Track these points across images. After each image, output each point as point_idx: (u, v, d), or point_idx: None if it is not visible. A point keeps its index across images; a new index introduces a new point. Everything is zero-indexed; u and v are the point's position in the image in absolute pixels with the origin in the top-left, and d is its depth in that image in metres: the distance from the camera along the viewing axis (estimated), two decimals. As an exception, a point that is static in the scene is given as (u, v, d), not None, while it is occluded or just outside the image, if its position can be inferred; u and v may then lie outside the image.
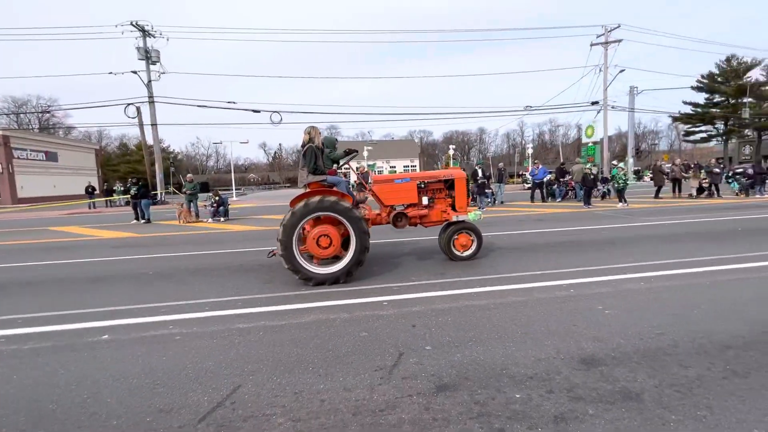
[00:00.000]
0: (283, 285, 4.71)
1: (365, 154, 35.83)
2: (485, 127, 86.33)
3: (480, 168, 14.34)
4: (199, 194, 14.10)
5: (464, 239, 5.60)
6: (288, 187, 72.84)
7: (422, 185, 5.61)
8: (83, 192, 26.77)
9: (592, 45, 28.18)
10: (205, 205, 13.76)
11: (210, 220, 12.95)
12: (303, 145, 4.90)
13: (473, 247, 5.62)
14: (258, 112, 27.61)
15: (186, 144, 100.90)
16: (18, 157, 32.55)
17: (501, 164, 18.80)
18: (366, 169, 25.78)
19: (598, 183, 15.58)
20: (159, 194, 25.07)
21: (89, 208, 23.47)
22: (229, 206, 14.09)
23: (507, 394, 2.20)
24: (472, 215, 5.59)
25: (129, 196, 15.37)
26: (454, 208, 5.62)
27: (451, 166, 41.47)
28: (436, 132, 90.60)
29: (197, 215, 13.39)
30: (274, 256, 5.16)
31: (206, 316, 3.69)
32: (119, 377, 2.59)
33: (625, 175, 13.38)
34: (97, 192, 27.92)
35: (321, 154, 4.92)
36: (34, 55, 72.35)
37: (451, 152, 45.33)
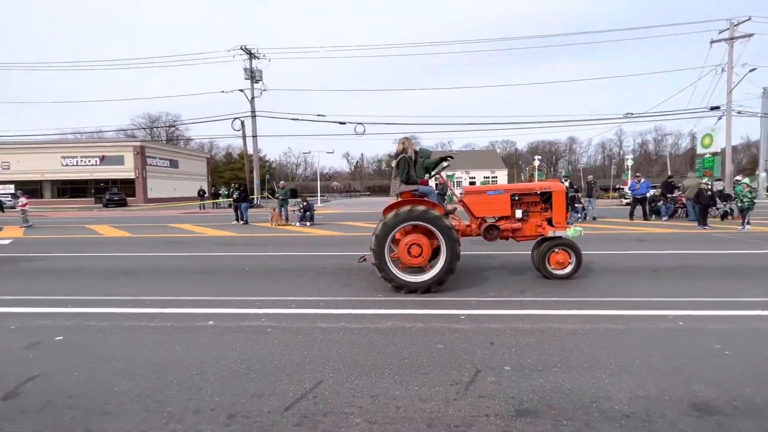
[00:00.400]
0: (361, 289, 4.89)
1: (444, 164, 35.50)
2: (576, 137, 79.88)
3: (567, 180, 13.31)
4: (289, 199, 15.36)
5: (561, 256, 5.23)
6: (368, 195, 75.40)
7: (516, 197, 5.38)
8: (196, 194, 30.91)
9: (712, 42, 24.58)
10: (294, 210, 14.91)
11: (297, 224, 13.99)
12: (396, 155, 5.07)
13: (571, 266, 5.21)
14: (343, 123, 29.23)
15: (279, 153, 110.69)
16: (149, 164, 38.85)
17: (590, 177, 17.19)
18: (445, 179, 25.56)
19: (717, 200, 13.34)
20: (255, 198, 27.84)
21: (200, 208, 27.00)
22: (315, 212, 15.08)
23: (598, 430, 2.00)
24: (572, 231, 5.20)
25: (231, 199, 17.35)
26: (550, 223, 5.30)
27: (537, 178, 39.05)
28: (520, 142, 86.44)
29: (287, 219, 14.59)
30: (365, 261, 5.40)
31: (293, 313, 4.00)
32: (221, 359, 2.93)
33: (750, 192, 11.22)
34: (206, 195, 31.99)
35: (414, 164, 5.03)
36: (166, 77, 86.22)
37: (536, 163, 42.73)
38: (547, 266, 5.21)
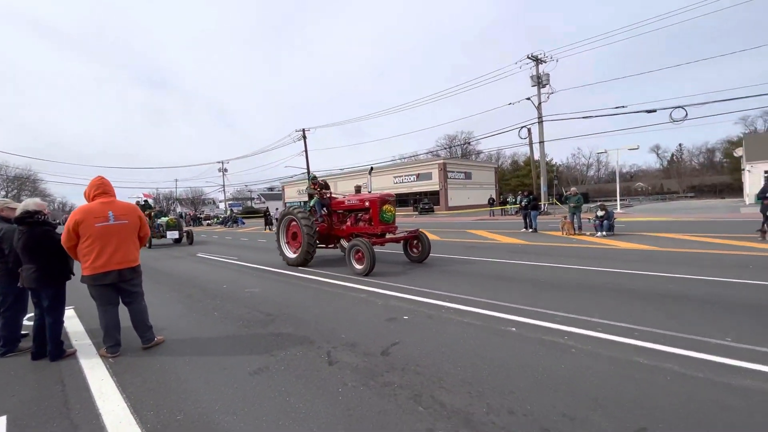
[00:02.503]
0: (694, 326, 3.84)
1: None
2: None
3: None
4: (582, 206, 14.06)
5: None
6: (691, 196, 57.69)
7: None
8: (486, 202, 33.64)
9: None
10: (589, 219, 13.52)
11: (598, 233, 12.59)
12: None
13: None
14: (653, 111, 23.90)
15: (566, 155, 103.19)
16: (449, 178, 45.65)
17: None
18: None
19: None
20: (543, 205, 27.20)
21: (490, 215, 29.17)
22: (615, 220, 13.07)
23: None
24: None
25: (519, 206, 17.74)
26: None
27: None
28: None
29: (580, 228, 13.41)
30: None
31: (600, 338, 3.66)
32: (526, 368, 3.09)
33: None
34: (495, 203, 34.13)
35: None
36: (462, 101, 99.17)
37: None
38: None
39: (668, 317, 4.16)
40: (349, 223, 9.16)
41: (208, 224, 48.20)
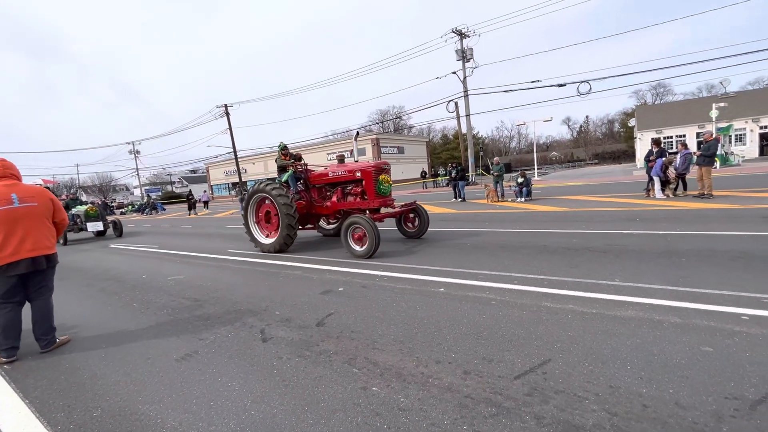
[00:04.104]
0: (591, 272, 4.42)
1: (713, 114, 26.03)
2: None
3: None
4: (504, 175, 15.13)
5: None
6: (596, 163, 64.84)
7: None
8: (419, 176, 34.59)
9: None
10: (510, 186, 14.60)
11: (518, 199, 13.66)
12: None
13: None
14: (563, 85, 26.04)
15: (491, 128, 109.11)
16: (383, 153, 45.98)
17: None
18: (714, 136, 18.89)
19: None
20: (470, 176, 28.74)
21: (422, 188, 30.16)
22: (532, 186, 14.29)
23: None
24: None
25: (449, 178, 18.57)
26: None
27: None
28: None
29: (503, 195, 14.46)
30: None
31: (515, 289, 4.06)
32: (453, 322, 3.34)
33: None
34: (427, 175, 35.29)
35: None
36: (392, 74, 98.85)
37: None
38: None
39: (571, 266, 4.73)
40: (334, 199, 7.86)
41: (122, 213, 43.61)
